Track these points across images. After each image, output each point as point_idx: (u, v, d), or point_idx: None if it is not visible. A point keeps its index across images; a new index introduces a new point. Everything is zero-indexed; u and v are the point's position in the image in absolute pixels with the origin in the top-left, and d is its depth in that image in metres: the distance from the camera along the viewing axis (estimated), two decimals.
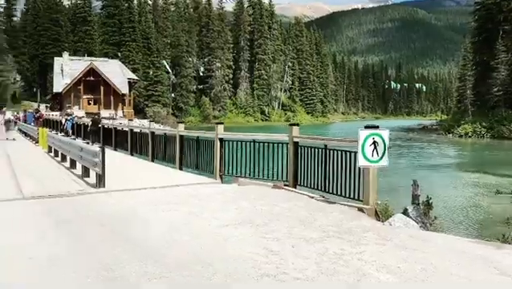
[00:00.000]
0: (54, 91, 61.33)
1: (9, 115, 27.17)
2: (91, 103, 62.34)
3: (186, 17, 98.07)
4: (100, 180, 9.11)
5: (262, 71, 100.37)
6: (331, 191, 7.77)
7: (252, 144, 9.62)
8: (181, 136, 12.20)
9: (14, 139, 23.18)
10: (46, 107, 60.97)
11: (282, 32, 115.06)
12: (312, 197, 7.87)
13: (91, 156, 9.57)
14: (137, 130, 16.56)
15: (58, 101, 62.50)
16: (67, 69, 61.35)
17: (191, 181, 10.18)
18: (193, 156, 11.58)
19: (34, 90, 76.50)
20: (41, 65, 76.25)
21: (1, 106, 46.15)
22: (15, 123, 25.77)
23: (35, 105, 59.01)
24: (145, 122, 51.79)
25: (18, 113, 31.06)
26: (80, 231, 6.02)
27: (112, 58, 71.74)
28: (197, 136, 11.43)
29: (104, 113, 54.84)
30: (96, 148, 9.49)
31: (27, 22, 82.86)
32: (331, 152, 7.77)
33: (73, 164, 12.21)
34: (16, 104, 62.76)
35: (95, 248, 5.22)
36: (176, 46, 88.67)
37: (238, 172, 9.90)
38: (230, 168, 10.17)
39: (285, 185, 8.78)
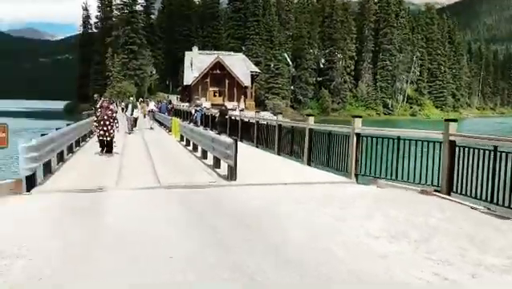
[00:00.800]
0: (185, 83, 65.71)
1: (152, 105, 29.34)
2: (217, 95, 65.38)
3: (309, 8, 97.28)
4: (232, 172, 8.89)
5: (387, 62, 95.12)
6: (500, 203, 6.39)
7: (394, 141, 8.53)
8: (311, 130, 11.52)
9: (152, 128, 25.01)
10: (177, 98, 65.70)
11: (410, 20, 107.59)
12: (475, 209, 6.57)
13: (223, 148, 9.43)
14: (263, 122, 16.37)
15: (187, 93, 66.87)
16: (196, 63, 65.22)
17: (323, 178, 9.46)
18: (324, 151, 10.82)
19: (167, 82, 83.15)
20: (173, 59, 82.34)
21: (142, 97, 50.75)
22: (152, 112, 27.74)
23: (167, 96, 63.93)
24: (265, 114, 52.61)
25: (158, 103, 33.51)
26: (216, 227, 5.72)
27: (237, 51, 74.40)
28: (330, 131, 10.63)
29: (228, 105, 56.78)
30: (229, 139, 9.29)
31: (163, 19, 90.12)
32: (503, 155, 6.37)
33: (204, 154, 12.37)
34: (151, 96, 68.74)
35: (233, 248, 4.85)
36: (297, 38, 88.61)
37: (376, 173, 8.89)
38: (367, 167, 9.19)
39: (435, 191, 7.56)
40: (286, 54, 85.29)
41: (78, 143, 15.42)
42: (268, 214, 6.32)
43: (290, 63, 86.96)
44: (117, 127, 13.17)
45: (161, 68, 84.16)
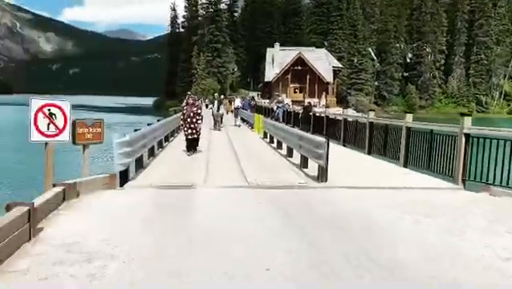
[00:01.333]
0: (265, 80, 66.08)
1: (238, 102, 29.54)
2: (297, 91, 64.92)
3: (396, 1, 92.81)
4: (323, 173, 8.35)
5: (482, 56, 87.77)
6: None
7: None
8: (408, 129, 10.57)
9: (239, 125, 25.12)
10: (258, 95, 66.24)
11: (510, 9, 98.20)
12: None
13: (313, 147, 8.91)
14: (351, 119, 15.58)
15: (267, 89, 67.19)
16: (277, 59, 65.25)
17: (424, 183, 8.55)
18: (424, 152, 9.83)
19: (248, 79, 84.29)
20: (255, 56, 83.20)
21: (223, 94, 51.77)
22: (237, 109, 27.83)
23: (248, 93, 64.70)
24: (348, 111, 50.98)
25: (242, 100, 33.54)
26: (307, 228, 5.34)
27: (319, 47, 73.16)
28: (431, 130, 9.63)
29: (309, 101, 56.29)
30: (320, 138, 8.76)
31: (245, 16, 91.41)
32: None
33: (289, 152, 11.95)
34: (233, 92, 70.08)
35: (324, 250, 4.53)
36: (382, 32, 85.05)
37: (489, 179, 7.80)
38: (477, 172, 8.11)
39: None
40: (370, 49, 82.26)
41: (167, 138, 15.82)
42: (367, 223, 5.70)
43: (375, 57, 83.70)
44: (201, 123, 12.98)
45: (243, 65, 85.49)
